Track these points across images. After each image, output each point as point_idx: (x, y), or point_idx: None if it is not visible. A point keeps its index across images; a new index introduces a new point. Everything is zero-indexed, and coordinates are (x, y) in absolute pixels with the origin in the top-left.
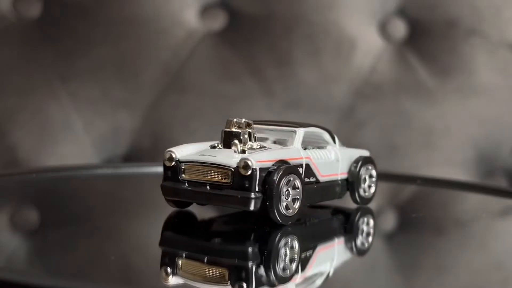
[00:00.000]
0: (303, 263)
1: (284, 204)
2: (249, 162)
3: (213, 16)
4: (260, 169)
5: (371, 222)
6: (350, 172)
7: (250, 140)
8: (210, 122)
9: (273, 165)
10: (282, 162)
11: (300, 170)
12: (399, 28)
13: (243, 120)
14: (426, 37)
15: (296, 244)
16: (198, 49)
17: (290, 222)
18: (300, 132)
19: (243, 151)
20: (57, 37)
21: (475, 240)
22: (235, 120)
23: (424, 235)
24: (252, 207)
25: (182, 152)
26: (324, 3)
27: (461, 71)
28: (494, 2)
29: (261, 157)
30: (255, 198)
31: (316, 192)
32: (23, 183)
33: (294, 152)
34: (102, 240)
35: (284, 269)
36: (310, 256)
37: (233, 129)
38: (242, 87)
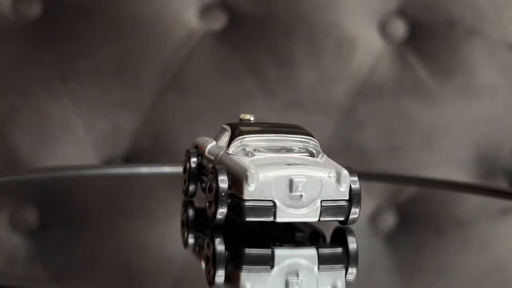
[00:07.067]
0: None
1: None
2: None
3: (213, 16)
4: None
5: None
6: None
7: None
8: (210, 122)
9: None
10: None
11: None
12: (399, 28)
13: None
14: (426, 37)
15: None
16: (198, 49)
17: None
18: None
19: None
20: (57, 37)
21: (475, 240)
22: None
23: (424, 235)
24: None
25: None
26: (324, 3)
27: (461, 71)
28: (495, 2)
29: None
30: None
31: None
32: (23, 183)
33: (205, 142)
34: (102, 240)
35: None
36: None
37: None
38: (242, 87)
